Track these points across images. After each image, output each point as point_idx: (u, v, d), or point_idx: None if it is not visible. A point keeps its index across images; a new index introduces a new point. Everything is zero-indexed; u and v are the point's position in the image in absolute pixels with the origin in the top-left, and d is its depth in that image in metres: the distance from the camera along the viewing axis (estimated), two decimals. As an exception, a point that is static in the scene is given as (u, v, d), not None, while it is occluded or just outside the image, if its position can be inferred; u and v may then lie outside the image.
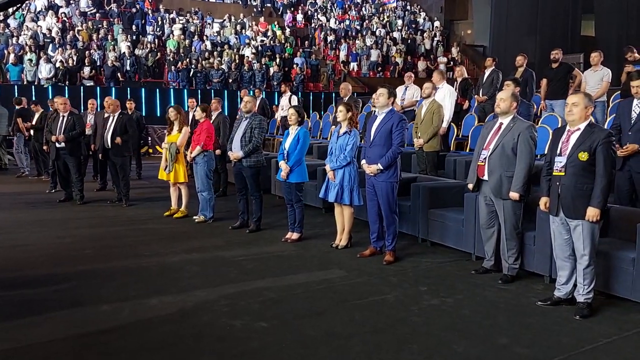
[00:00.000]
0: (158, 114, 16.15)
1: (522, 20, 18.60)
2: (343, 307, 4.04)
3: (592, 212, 3.71)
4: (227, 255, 5.46)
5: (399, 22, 24.59)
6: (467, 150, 8.30)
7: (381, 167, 5.07)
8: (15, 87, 15.20)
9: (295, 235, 6.06)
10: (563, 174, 3.83)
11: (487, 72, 8.90)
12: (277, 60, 18.79)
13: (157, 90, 16.81)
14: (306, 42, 21.55)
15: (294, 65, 18.95)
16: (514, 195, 4.40)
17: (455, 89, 8.92)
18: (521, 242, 4.61)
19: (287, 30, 22.03)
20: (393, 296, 4.30)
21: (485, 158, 4.55)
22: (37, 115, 10.73)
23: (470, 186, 4.74)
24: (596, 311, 3.90)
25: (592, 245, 3.79)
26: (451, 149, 8.58)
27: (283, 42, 20.84)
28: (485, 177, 4.56)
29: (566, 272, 3.98)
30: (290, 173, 5.87)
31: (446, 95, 7.92)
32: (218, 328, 3.66)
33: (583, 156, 3.73)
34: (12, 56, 15.97)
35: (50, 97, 12.32)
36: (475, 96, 9.15)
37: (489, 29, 20.47)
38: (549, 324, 3.73)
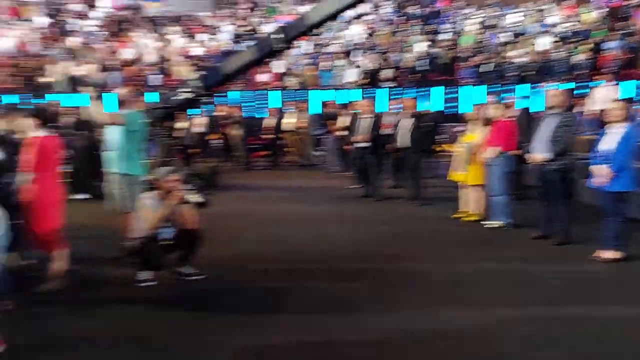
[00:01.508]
0: (453, 112, 16.00)
1: None
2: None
3: None
4: (528, 270, 4.90)
5: None
6: None
7: None
8: (327, 91, 17.13)
9: (609, 254, 5.09)
10: None
11: None
12: (586, 46, 16.50)
13: (454, 88, 16.70)
14: (624, 22, 18.33)
15: (605, 50, 16.33)
16: None
17: None
18: None
19: (601, 11, 19.14)
20: None
21: None
22: (346, 118, 11.60)
23: None
24: None
25: None
26: None
27: (594, 24, 18.20)
28: None
29: None
30: (612, 179, 4.92)
31: None
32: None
33: None
34: (325, 63, 18.08)
35: (359, 99, 13.38)
36: None
37: None
38: None
